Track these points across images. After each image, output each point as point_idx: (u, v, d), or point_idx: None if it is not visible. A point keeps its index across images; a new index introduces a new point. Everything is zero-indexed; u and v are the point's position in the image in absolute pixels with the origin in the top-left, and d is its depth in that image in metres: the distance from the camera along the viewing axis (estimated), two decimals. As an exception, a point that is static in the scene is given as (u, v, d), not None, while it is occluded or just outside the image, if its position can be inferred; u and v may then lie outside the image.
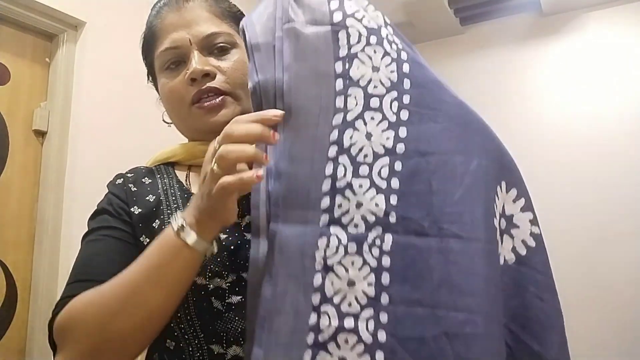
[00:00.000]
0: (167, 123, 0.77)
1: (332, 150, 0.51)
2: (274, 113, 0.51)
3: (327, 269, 0.48)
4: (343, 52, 0.54)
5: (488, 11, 3.40)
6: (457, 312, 0.47)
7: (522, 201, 0.57)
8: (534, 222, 0.57)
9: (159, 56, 0.70)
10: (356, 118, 0.52)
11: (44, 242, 1.68)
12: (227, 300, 0.58)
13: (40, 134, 1.74)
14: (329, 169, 0.51)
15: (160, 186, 0.69)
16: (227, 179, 0.48)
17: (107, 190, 0.70)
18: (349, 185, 0.50)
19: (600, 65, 3.10)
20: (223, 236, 0.61)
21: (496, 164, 0.56)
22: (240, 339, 0.57)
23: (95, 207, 0.70)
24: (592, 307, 2.90)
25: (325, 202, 0.50)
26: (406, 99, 0.54)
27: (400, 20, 3.55)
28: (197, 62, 0.65)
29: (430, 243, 0.49)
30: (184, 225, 0.52)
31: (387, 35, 0.57)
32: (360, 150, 0.51)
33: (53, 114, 1.74)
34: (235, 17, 0.73)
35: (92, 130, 1.82)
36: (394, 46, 0.57)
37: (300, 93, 0.53)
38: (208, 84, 0.66)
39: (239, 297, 0.58)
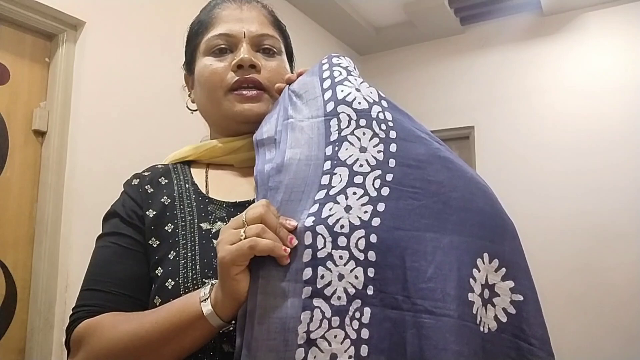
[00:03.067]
0: (191, 110, 0.79)
1: (309, 220, 0.53)
2: (290, 222, 0.53)
3: (310, 342, 0.49)
4: (334, 137, 0.59)
5: (488, 11, 3.40)
6: None
7: (503, 270, 0.59)
8: (515, 289, 0.59)
9: (209, 39, 0.73)
10: (338, 193, 0.55)
11: (43, 242, 1.68)
12: None
13: (40, 134, 1.74)
14: (307, 239, 0.52)
15: (175, 188, 0.70)
16: (224, 252, 0.50)
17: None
18: (330, 256, 0.51)
19: (600, 65, 3.10)
20: None
21: (476, 239, 0.58)
22: None
23: (109, 207, 0.71)
24: (590, 307, 2.90)
25: (307, 273, 0.51)
26: (389, 176, 0.57)
27: (400, 20, 3.56)
28: (247, 52, 0.70)
29: (405, 317, 0.51)
30: (207, 296, 0.53)
31: (378, 113, 0.61)
32: (337, 220, 0.53)
33: (52, 114, 1.74)
34: (281, 29, 0.79)
35: (92, 130, 1.82)
36: (383, 126, 0.60)
37: (289, 173, 0.57)
38: (252, 74, 0.70)
39: None
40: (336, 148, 0.58)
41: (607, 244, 2.90)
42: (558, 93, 3.19)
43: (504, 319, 0.57)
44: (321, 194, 0.55)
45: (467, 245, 0.57)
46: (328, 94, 0.62)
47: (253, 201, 0.67)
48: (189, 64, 0.78)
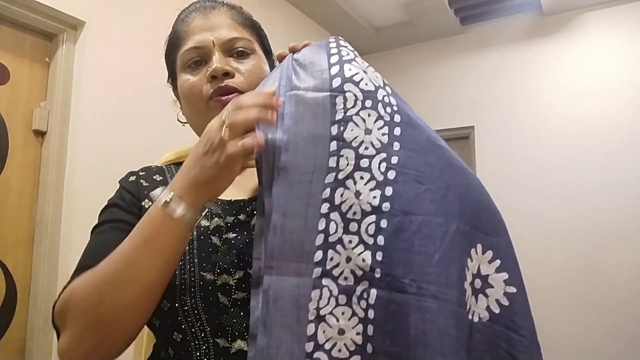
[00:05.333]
0: (182, 122, 0.80)
1: (325, 207, 0.55)
2: (271, 92, 0.58)
3: (320, 318, 0.52)
4: (339, 116, 0.59)
5: (488, 11, 3.40)
6: None
7: (497, 262, 0.60)
8: (509, 281, 0.60)
9: (182, 55, 0.74)
10: (347, 177, 0.56)
11: (43, 242, 1.68)
12: (233, 296, 0.60)
13: (40, 134, 1.74)
14: (321, 225, 0.55)
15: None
16: (232, 147, 0.53)
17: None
18: (340, 241, 0.54)
19: (600, 65, 3.10)
20: (232, 235, 0.64)
21: (472, 229, 0.60)
22: (244, 334, 0.59)
23: (106, 202, 0.72)
24: (590, 307, 2.90)
25: (318, 255, 0.54)
26: (394, 159, 0.58)
27: (400, 20, 3.56)
28: (219, 61, 0.70)
29: (410, 300, 0.52)
30: (172, 198, 0.54)
31: (383, 97, 0.62)
32: (350, 207, 0.55)
33: (52, 114, 1.74)
34: (254, 27, 0.79)
35: (92, 130, 1.82)
36: (388, 109, 0.61)
37: (297, 152, 0.57)
38: (226, 82, 0.70)
39: (245, 294, 0.60)
40: (342, 128, 0.58)
41: (608, 244, 2.90)
42: (558, 93, 3.19)
43: (496, 310, 0.58)
44: (330, 177, 0.56)
45: (468, 234, 0.58)
46: (335, 69, 0.62)
47: (247, 200, 0.68)
48: (173, 80, 0.79)
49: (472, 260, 0.59)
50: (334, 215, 0.55)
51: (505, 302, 0.58)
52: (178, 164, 0.77)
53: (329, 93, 0.60)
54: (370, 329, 0.51)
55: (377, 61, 3.94)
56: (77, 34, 1.83)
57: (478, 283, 0.59)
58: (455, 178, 0.61)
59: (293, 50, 0.68)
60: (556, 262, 2.99)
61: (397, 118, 0.61)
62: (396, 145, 0.58)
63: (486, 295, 0.58)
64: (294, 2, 3.12)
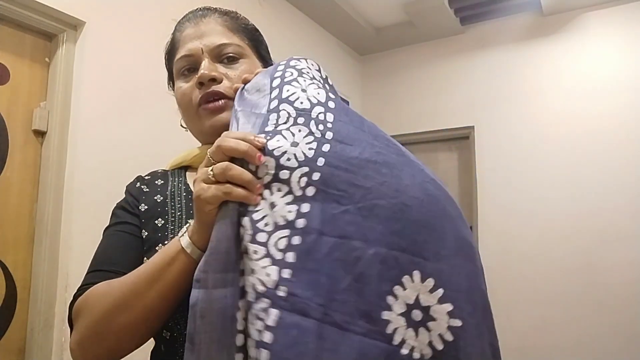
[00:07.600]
0: (184, 128, 0.82)
1: (237, 214, 0.54)
2: (258, 138, 0.55)
3: (244, 330, 0.50)
4: (269, 129, 0.59)
5: (488, 11, 3.40)
6: None
7: (440, 291, 0.53)
8: (453, 313, 0.53)
9: (175, 63, 0.76)
10: (265, 187, 0.55)
11: (43, 242, 1.68)
12: None
13: (40, 134, 1.74)
14: (235, 231, 0.54)
15: (169, 188, 0.76)
16: (213, 191, 0.54)
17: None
18: (246, 250, 0.52)
19: (600, 65, 3.10)
20: None
21: (405, 254, 0.54)
22: None
23: (115, 204, 0.77)
24: (590, 307, 2.90)
25: (241, 263, 0.53)
26: (316, 176, 0.55)
27: (400, 20, 3.56)
28: (206, 67, 0.71)
29: (312, 326, 0.48)
30: (184, 232, 0.58)
31: (318, 114, 0.60)
32: (262, 218, 0.53)
33: (52, 114, 1.74)
34: (247, 31, 0.79)
35: (92, 130, 1.82)
36: (320, 126, 0.59)
37: None
38: (213, 88, 0.71)
39: None
40: (268, 138, 0.57)
41: (607, 243, 2.91)
42: (558, 93, 3.20)
43: (439, 347, 0.52)
44: None
45: (394, 260, 0.53)
46: (275, 93, 0.63)
47: None
48: (173, 87, 0.81)
49: (405, 289, 0.53)
50: (244, 221, 0.53)
51: (450, 338, 0.52)
52: (181, 169, 0.80)
53: (265, 113, 0.61)
54: (265, 355, 0.47)
55: (377, 61, 3.95)
56: (77, 34, 1.83)
57: (418, 315, 0.53)
58: (384, 199, 0.55)
59: (245, 82, 0.68)
60: (556, 262, 2.99)
61: (328, 135, 0.58)
62: (320, 161, 0.56)
63: (428, 330, 0.53)
64: (294, 2, 3.12)
